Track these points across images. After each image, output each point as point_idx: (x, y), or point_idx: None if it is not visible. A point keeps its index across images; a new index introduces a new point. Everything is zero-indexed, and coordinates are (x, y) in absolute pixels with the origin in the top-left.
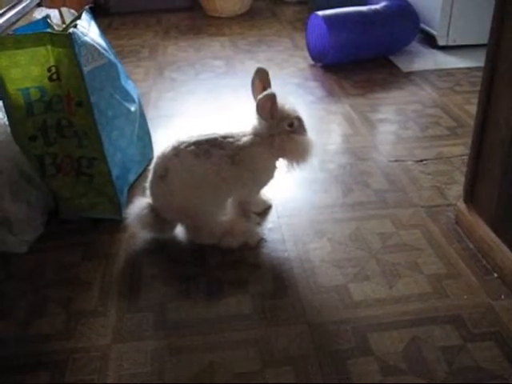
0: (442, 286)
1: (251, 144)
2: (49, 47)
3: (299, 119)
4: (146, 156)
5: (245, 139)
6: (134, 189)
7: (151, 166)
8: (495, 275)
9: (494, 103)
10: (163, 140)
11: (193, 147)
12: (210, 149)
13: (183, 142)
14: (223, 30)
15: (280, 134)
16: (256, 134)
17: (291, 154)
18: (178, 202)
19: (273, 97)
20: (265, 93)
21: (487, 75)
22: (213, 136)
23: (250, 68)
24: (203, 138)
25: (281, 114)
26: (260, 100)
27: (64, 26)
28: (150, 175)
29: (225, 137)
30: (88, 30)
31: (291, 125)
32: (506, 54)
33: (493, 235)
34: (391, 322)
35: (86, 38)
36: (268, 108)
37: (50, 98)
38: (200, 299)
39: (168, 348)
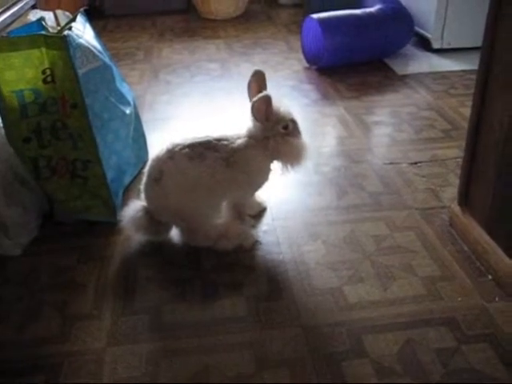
0: (436, 288)
1: (245, 146)
2: (43, 49)
3: (294, 122)
4: (141, 159)
5: (239, 141)
6: (128, 191)
7: (146, 169)
8: (489, 277)
9: (488, 105)
10: (158, 143)
11: (187, 150)
12: (205, 151)
13: (178, 145)
14: (218, 32)
15: (275, 136)
16: (251, 136)
17: (285, 157)
18: (173, 204)
19: (268, 99)
20: (260, 95)
21: (481, 77)
22: (207, 138)
23: (245, 71)
24: (197, 140)
25: (276, 117)
26: (255, 102)
27: (59, 28)
28: (144, 178)
29: (219, 139)
30: (83, 32)
31: (286, 127)
32: (500, 56)
33: (487, 237)
34: (386, 324)
35: (81, 41)
36: (263, 110)
37: (45, 101)
38: (195, 302)
39: (163, 351)
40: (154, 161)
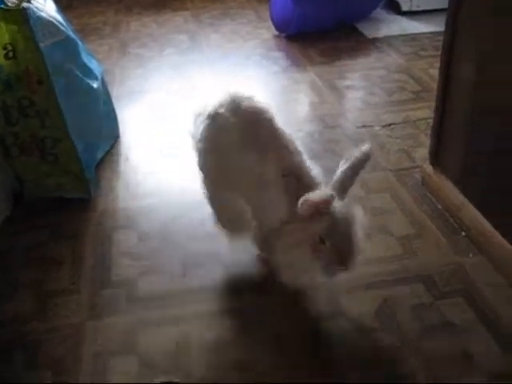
0: (411, 246)
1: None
2: (2, 24)
3: (341, 251)
4: (112, 133)
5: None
6: (101, 167)
7: (202, 108)
8: (463, 234)
9: (455, 66)
10: (130, 117)
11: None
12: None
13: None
14: (186, 4)
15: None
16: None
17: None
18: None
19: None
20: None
21: (448, 38)
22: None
23: (214, 42)
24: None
25: (326, 223)
26: (312, 200)
27: (17, 2)
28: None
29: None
30: (44, 5)
31: (323, 241)
32: (466, 17)
33: (459, 195)
34: (363, 284)
35: (42, 14)
36: (314, 209)
37: (8, 77)
38: (172, 273)
39: (142, 322)
40: (215, 106)
